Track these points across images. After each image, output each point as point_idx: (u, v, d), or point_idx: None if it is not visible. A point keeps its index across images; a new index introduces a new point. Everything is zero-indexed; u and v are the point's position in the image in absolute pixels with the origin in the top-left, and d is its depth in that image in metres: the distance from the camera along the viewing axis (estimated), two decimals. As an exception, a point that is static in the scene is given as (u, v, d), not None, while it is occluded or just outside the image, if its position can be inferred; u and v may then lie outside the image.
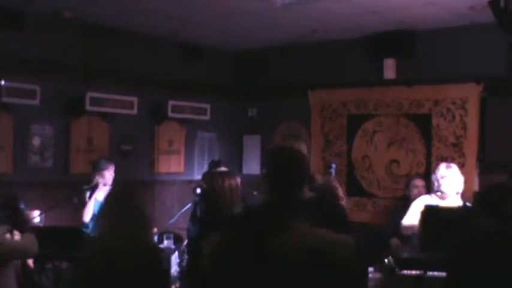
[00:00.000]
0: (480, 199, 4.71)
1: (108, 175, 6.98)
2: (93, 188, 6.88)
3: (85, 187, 6.98)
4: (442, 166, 6.59)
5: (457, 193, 6.50)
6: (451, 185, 6.44)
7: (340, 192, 4.59)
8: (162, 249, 6.54)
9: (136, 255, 3.53)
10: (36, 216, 6.62)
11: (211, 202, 4.57)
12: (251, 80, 9.76)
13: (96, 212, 6.82)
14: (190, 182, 8.34)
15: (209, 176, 4.99)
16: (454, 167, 6.56)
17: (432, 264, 5.26)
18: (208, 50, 9.31)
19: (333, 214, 3.55)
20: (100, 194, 6.86)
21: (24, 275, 5.53)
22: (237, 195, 4.57)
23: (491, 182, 4.82)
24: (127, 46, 8.42)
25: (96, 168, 7.09)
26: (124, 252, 3.51)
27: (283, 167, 3.29)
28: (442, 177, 6.44)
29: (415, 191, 7.40)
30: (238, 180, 4.75)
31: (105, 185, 6.95)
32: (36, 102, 7.39)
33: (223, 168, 7.01)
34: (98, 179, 6.94)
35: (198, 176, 4.33)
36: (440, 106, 7.90)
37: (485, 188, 4.67)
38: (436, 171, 6.58)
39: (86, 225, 6.86)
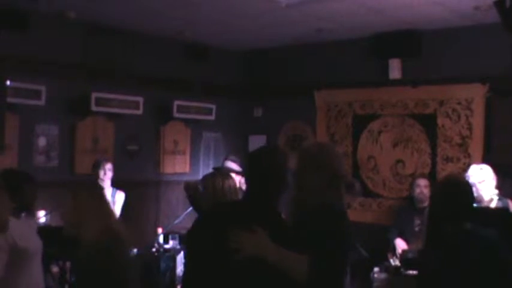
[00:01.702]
0: None
1: (102, 174, 6.94)
2: None
3: None
4: (476, 169, 6.29)
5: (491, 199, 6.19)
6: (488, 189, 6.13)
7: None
8: (167, 249, 6.57)
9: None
10: (42, 216, 6.64)
11: (212, 202, 4.64)
12: (257, 80, 9.77)
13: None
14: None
15: (209, 177, 5.06)
16: (486, 168, 6.29)
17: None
18: (214, 50, 9.31)
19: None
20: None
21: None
22: (236, 195, 4.65)
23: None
24: (132, 46, 8.43)
25: (94, 168, 7.07)
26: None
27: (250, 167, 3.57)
28: (480, 182, 6.10)
29: (417, 190, 7.42)
30: (236, 180, 4.87)
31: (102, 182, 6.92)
32: (42, 102, 7.41)
33: (232, 164, 6.99)
34: (100, 180, 6.91)
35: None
36: (445, 106, 7.89)
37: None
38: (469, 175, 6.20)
39: None
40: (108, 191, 6.88)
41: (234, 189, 4.70)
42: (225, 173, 5.04)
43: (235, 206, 3.69)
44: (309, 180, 3.47)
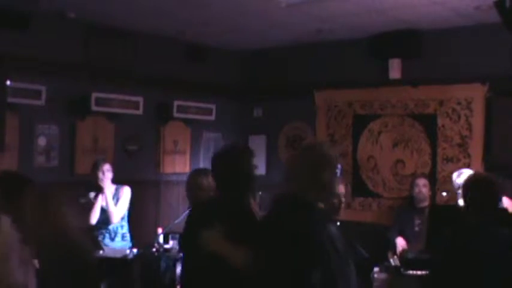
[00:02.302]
0: None
1: (101, 175, 6.92)
2: (97, 191, 6.86)
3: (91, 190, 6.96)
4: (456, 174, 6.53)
5: None
6: None
7: (341, 190, 4.69)
8: (167, 249, 6.56)
9: None
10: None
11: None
12: (257, 80, 9.76)
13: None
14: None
15: (195, 175, 5.23)
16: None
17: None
18: (214, 50, 9.30)
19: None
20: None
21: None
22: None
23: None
24: (132, 46, 8.43)
25: (93, 169, 7.04)
26: None
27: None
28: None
29: (416, 190, 7.43)
30: None
31: (102, 182, 6.90)
32: (42, 102, 7.41)
33: None
34: (100, 182, 6.89)
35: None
36: (445, 106, 7.90)
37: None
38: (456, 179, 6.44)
39: (93, 228, 6.85)
40: (109, 189, 6.85)
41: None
42: (206, 170, 5.12)
43: (208, 204, 3.85)
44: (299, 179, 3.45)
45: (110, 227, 6.86)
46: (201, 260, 3.40)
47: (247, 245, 3.24)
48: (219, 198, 3.68)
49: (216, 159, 3.79)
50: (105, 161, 7.17)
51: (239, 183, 3.62)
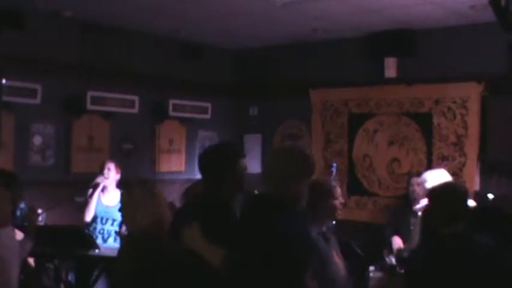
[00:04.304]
0: None
1: (106, 173, 6.91)
2: (94, 188, 6.85)
3: (88, 186, 6.96)
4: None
5: None
6: None
7: (338, 191, 4.62)
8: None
9: None
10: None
11: None
12: (252, 79, 9.76)
13: (97, 213, 6.81)
14: (190, 181, 8.34)
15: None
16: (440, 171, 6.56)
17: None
18: (209, 49, 9.30)
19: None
20: (104, 195, 6.86)
21: (25, 275, 5.53)
22: None
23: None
24: (127, 45, 8.42)
25: (101, 167, 7.04)
26: None
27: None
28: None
29: (410, 189, 7.42)
30: None
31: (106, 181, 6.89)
32: (37, 101, 7.40)
33: None
34: (98, 178, 6.89)
35: (199, 175, 4.39)
36: (441, 105, 7.90)
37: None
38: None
39: (88, 225, 6.85)
40: (114, 193, 6.83)
41: None
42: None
43: (193, 202, 3.88)
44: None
45: (105, 228, 6.84)
46: (182, 258, 3.39)
47: (227, 245, 3.22)
48: (205, 196, 3.63)
49: (204, 158, 3.75)
50: (111, 160, 7.19)
51: (226, 183, 3.57)
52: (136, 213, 3.91)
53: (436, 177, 6.40)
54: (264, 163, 3.51)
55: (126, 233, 4.71)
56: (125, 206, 4.04)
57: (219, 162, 3.61)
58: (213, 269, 3.22)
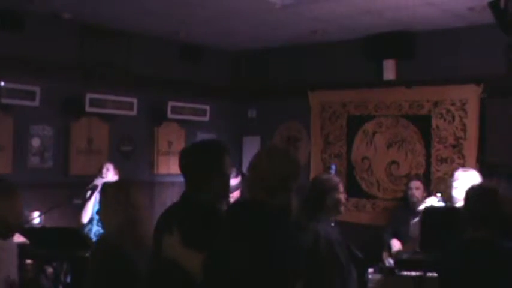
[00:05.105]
0: None
1: (104, 172, 6.91)
2: (92, 189, 6.84)
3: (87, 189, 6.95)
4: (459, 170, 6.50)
5: None
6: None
7: (341, 187, 4.66)
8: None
9: None
10: (36, 217, 6.62)
11: None
12: (251, 81, 9.76)
13: (93, 215, 6.80)
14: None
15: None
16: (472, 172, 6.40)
17: (431, 264, 5.25)
18: (208, 51, 9.30)
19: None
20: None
21: (23, 276, 5.52)
22: None
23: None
24: (126, 47, 8.42)
25: (100, 169, 7.04)
26: None
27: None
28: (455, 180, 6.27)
29: (409, 192, 7.41)
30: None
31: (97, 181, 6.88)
32: (36, 103, 7.39)
33: None
34: (96, 180, 6.88)
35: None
36: (440, 107, 7.90)
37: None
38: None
39: (84, 226, 6.84)
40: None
41: None
42: None
43: (175, 206, 3.48)
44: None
45: (101, 230, 6.83)
46: (161, 265, 3.21)
47: (208, 252, 2.99)
48: (187, 199, 3.38)
49: (185, 155, 3.49)
50: (109, 161, 7.20)
51: (209, 183, 3.32)
52: (108, 213, 3.91)
53: (469, 178, 6.26)
54: (252, 165, 3.12)
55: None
56: (100, 207, 4.05)
57: (202, 161, 3.36)
58: (193, 279, 3.02)
